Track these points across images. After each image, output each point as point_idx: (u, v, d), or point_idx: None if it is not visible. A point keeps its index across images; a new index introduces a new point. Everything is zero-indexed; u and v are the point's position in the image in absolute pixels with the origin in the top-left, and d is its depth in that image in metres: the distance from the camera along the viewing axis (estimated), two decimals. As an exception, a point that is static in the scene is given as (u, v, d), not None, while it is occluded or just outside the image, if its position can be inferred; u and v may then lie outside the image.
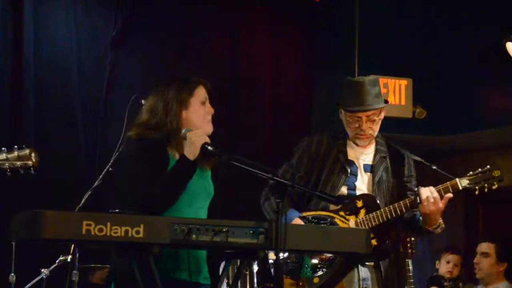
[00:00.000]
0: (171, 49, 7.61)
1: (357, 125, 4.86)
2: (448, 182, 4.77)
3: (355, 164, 4.91)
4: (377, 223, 4.74)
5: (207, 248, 3.87)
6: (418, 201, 4.69)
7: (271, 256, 4.83)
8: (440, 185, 4.76)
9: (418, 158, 5.01)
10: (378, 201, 4.80)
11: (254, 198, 5.06)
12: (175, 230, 3.49)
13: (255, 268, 5.48)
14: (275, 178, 3.73)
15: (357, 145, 4.94)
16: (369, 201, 4.80)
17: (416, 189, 4.81)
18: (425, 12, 7.82)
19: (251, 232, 3.63)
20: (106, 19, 7.36)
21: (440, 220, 4.80)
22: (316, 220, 4.77)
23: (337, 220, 4.77)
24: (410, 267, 5.66)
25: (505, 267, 7.24)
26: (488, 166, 4.83)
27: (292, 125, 8.11)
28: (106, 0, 7.42)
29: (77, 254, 5.57)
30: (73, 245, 5.50)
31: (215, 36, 7.89)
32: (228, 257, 3.95)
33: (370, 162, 4.94)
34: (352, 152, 4.94)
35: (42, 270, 5.86)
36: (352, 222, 4.77)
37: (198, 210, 3.98)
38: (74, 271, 5.60)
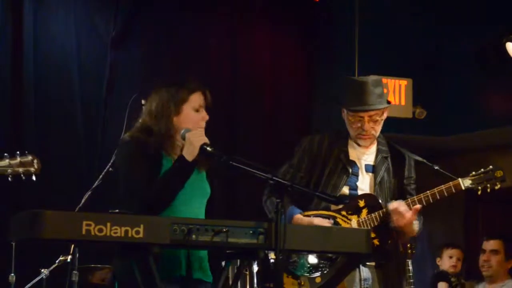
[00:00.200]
0: (171, 49, 7.60)
1: (359, 125, 4.85)
2: (450, 182, 4.77)
3: (357, 164, 4.91)
4: (379, 223, 4.74)
5: (207, 248, 3.87)
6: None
7: (272, 255, 4.84)
8: (442, 185, 4.76)
9: (420, 159, 5.01)
10: (380, 201, 4.80)
11: (254, 198, 5.06)
12: (175, 230, 3.49)
13: (255, 268, 5.48)
14: (274, 178, 3.73)
15: (359, 145, 4.93)
16: (371, 201, 4.80)
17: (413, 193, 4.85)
18: (425, 12, 7.82)
19: (251, 232, 3.62)
20: (106, 19, 7.35)
21: (415, 227, 4.80)
22: (317, 220, 4.78)
23: (339, 220, 4.77)
24: (410, 267, 5.67)
25: (511, 265, 7.25)
26: (491, 167, 4.84)
27: (292, 125, 8.11)
28: (106, 0, 7.42)
29: (77, 254, 5.56)
30: (73, 245, 5.50)
31: (214, 36, 7.88)
32: (228, 257, 3.94)
33: (371, 163, 4.93)
34: (353, 152, 4.93)
35: (42, 270, 5.85)
36: (354, 221, 4.77)
37: (194, 210, 3.97)
38: (74, 271, 5.60)
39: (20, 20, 6.89)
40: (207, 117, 4.07)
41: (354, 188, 4.87)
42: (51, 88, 7.04)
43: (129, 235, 3.41)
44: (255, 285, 5.53)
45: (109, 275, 5.33)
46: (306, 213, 4.80)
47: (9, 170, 4.40)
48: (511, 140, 8.05)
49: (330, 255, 4.56)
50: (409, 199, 4.77)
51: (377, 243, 4.68)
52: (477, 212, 8.89)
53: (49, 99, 7.00)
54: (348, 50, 7.81)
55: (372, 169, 4.92)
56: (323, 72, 8.27)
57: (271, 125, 8.11)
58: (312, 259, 4.66)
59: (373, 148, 4.97)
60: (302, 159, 4.95)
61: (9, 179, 4.40)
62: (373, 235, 4.40)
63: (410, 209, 4.73)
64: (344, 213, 4.79)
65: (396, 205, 4.71)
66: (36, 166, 4.36)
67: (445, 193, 4.74)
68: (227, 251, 3.87)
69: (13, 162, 4.38)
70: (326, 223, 4.69)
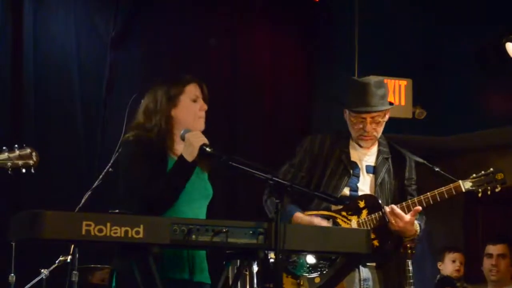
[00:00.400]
0: (170, 49, 7.60)
1: (361, 126, 4.86)
2: (451, 184, 4.78)
3: (358, 166, 4.91)
4: (379, 224, 4.74)
5: (206, 249, 3.87)
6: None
7: (272, 255, 4.84)
8: (443, 187, 4.76)
9: (421, 160, 5.02)
10: (380, 202, 4.80)
11: (254, 198, 5.06)
12: (175, 230, 3.49)
13: (255, 268, 5.48)
14: (274, 178, 3.73)
15: (360, 146, 4.94)
16: (371, 202, 4.80)
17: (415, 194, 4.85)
18: (425, 13, 7.82)
19: (251, 232, 3.62)
20: (106, 19, 7.35)
21: (417, 228, 4.80)
22: (317, 220, 4.78)
23: (339, 220, 4.77)
24: (410, 268, 5.65)
25: None
26: (492, 169, 4.84)
27: (292, 125, 8.10)
28: (106, 0, 7.42)
29: (77, 255, 5.56)
30: (72, 246, 5.50)
31: (214, 36, 7.88)
32: (228, 257, 3.95)
33: (372, 164, 4.94)
34: (355, 153, 4.94)
35: (42, 270, 5.85)
36: (354, 222, 4.77)
37: (196, 211, 3.98)
38: (73, 272, 5.59)
39: (20, 20, 6.89)
40: (205, 107, 4.07)
41: (354, 189, 4.88)
42: (51, 88, 7.04)
43: (129, 235, 3.41)
44: (255, 285, 5.53)
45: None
46: (306, 213, 4.80)
47: (8, 163, 4.41)
48: (511, 140, 8.05)
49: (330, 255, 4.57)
50: (409, 201, 4.77)
51: (377, 244, 4.68)
52: (477, 213, 8.89)
53: (49, 99, 6.99)
54: (348, 50, 7.81)
55: (373, 170, 4.92)
56: (323, 72, 8.27)
57: (271, 125, 8.11)
58: (312, 259, 4.67)
59: (374, 149, 4.97)
60: (303, 159, 4.95)
61: (9, 172, 4.41)
62: (373, 236, 4.40)
63: (410, 210, 4.73)
64: (344, 213, 4.79)
65: (392, 208, 4.72)
66: (34, 159, 4.38)
67: (446, 195, 4.75)
68: (227, 251, 3.87)
69: (12, 155, 4.40)
70: (325, 223, 4.70)
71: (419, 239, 4.90)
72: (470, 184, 4.81)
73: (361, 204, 4.80)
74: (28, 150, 4.40)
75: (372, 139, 4.92)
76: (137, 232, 3.42)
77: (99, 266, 6.05)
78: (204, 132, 3.99)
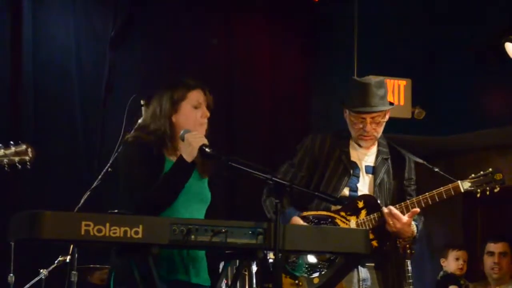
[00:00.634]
0: (169, 49, 7.60)
1: (361, 126, 4.85)
2: (450, 185, 4.78)
3: (358, 166, 4.91)
4: (378, 224, 4.74)
5: (206, 249, 3.87)
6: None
7: (271, 255, 4.84)
8: (442, 188, 4.76)
9: (420, 160, 5.02)
10: (379, 202, 4.80)
11: (254, 198, 5.06)
12: (174, 230, 3.49)
13: (254, 268, 5.48)
14: (273, 179, 3.73)
15: (360, 146, 4.94)
16: (370, 202, 4.80)
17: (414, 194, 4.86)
18: (424, 12, 7.82)
19: (250, 232, 3.62)
20: (105, 19, 7.35)
21: (413, 228, 4.80)
22: (317, 220, 4.78)
23: (338, 221, 4.77)
24: (409, 268, 5.65)
25: None
26: (490, 169, 4.84)
27: (291, 125, 8.10)
28: (105, 0, 7.41)
29: (76, 255, 5.56)
30: (72, 246, 5.49)
31: (213, 37, 7.87)
32: (227, 257, 3.95)
33: (372, 164, 4.94)
34: (354, 153, 4.93)
35: (41, 270, 5.85)
36: (353, 222, 4.77)
37: (194, 212, 3.97)
38: (73, 272, 5.60)
39: (19, 20, 6.88)
40: (207, 114, 4.07)
41: (354, 189, 4.87)
42: (50, 88, 7.03)
43: (128, 235, 3.41)
44: (254, 286, 5.53)
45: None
46: (306, 213, 4.80)
47: (5, 160, 4.42)
48: (510, 140, 8.05)
49: (328, 255, 4.57)
50: (408, 201, 4.77)
51: (376, 244, 4.68)
52: (476, 213, 8.89)
53: (48, 99, 6.99)
54: (347, 50, 7.80)
55: (372, 170, 4.92)
56: (323, 72, 8.27)
57: (270, 125, 8.11)
58: (311, 259, 4.67)
59: (374, 149, 4.97)
60: (303, 159, 4.95)
61: (6, 169, 4.42)
62: (371, 236, 4.40)
63: (409, 211, 4.73)
64: (343, 213, 4.79)
65: (389, 209, 4.72)
66: (30, 155, 4.39)
67: (444, 196, 4.75)
68: (226, 252, 3.87)
69: (8, 152, 4.41)
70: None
71: (416, 240, 4.90)
72: (469, 184, 4.81)
73: (360, 204, 4.80)
74: (24, 146, 4.42)
75: (372, 139, 4.92)
76: (136, 232, 3.42)
77: (98, 266, 6.05)
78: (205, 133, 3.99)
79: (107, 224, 3.38)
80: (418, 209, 4.72)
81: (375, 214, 4.76)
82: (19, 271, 5.74)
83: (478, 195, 4.83)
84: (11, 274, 5.67)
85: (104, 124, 7.10)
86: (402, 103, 7.65)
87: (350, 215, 4.78)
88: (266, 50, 8.20)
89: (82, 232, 3.35)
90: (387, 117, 4.92)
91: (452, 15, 7.69)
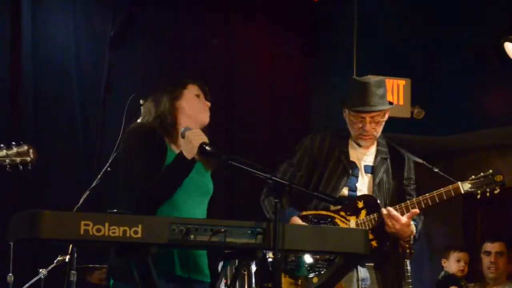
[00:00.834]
0: (169, 49, 7.59)
1: (360, 125, 4.85)
2: (450, 186, 4.78)
3: (357, 165, 4.91)
4: (378, 224, 4.74)
5: (205, 248, 3.87)
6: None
7: (270, 255, 4.83)
8: (442, 189, 4.76)
9: (420, 160, 5.02)
10: (379, 202, 4.80)
11: (253, 198, 5.06)
12: (173, 230, 3.48)
13: (253, 268, 5.48)
14: (273, 178, 3.73)
15: (359, 145, 4.93)
16: (370, 202, 4.80)
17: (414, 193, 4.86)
18: (423, 12, 7.81)
19: (249, 232, 3.62)
20: (104, 19, 7.34)
21: (413, 229, 4.80)
22: (316, 220, 4.78)
23: (337, 220, 4.77)
24: (408, 267, 5.64)
25: (511, 269, 7.26)
26: (491, 171, 4.84)
27: (291, 125, 8.10)
28: (104, 0, 7.41)
29: (75, 254, 5.56)
30: (71, 245, 5.49)
31: (213, 36, 7.87)
32: (226, 257, 3.95)
33: (371, 163, 4.93)
34: (354, 153, 4.93)
35: (40, 270, 5.84)
36: (352, 222, 4.76)
37: (194, 206, 3.98)
38: (72, 271, 5.59)
39: (19, 20, 6.88)
40: (209, 104, 4.10)
41: (353, 189, 4.87)
42: (49, 88, 7.03)
43: (128, 235, 3.41)
44: (253, 285, 5.53)
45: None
46: (305, 213, 4.80)
47: (7, 160, 4.43)
48: (510, 140, 8.04)
49: (328, 255, 4.56)
50: (408, 202, 4.77)
51: (375, 244, 4.68)
52: (476, 213, 8.89)
53: (47, 99, 6.99)
54: (347, 49, 7.80)
55: (371, 170, 4.92)
56: (322, 72, 8.27)
57: (270, 125, 8.11)
58: (307, 259, 4.67)
59: (373, 148, 4.97)
60: (302, 159, 4.95)
61: (7, 169, 4.42)
62: (371, 236, 4.40)
63: (408, 211, 4.73)
64: (343, 213, 4.79)
65: (388, 210, 4.71)
66: (32, 156, 4.40)
67: (444, 197, 4.75)
68: (226, 251, 3.87)
69: (10, 152, 4.41)
70: None
71: (416, 240, 4.89)
72: (469, 185, 4.81)
73: (360, 204, 4.80)
74: (26, 147, 4.42)
75: (371, 139, 4.92)
76: (136, 232, 3.42)
77: (97, 266, 6.04)
78: (203, 132, 3.99)
79: (106, 224, 3.38)
80: (417, 210, 4.72)
81: (375, 214, 4.76)
82: (19, 270, 5.73)
83: (478, 196, 4.83)
84: (10, 274, 5.66)
85: (104, 124, 7.10)
86: (401, 102, 7.65)
87: (350, 215, 4.78)
88: (266, 50, 8.20)
89: (81, 232, 3.34)
90: (386, 116, 4.92)
91: (451, 15, 7.68)
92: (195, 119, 4.05)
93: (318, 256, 4.65)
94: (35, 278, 5.84)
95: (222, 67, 7.93)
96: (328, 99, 7.86)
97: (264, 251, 3.83)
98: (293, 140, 5.10)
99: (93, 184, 5.41)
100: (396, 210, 4.73)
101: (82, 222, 3.35)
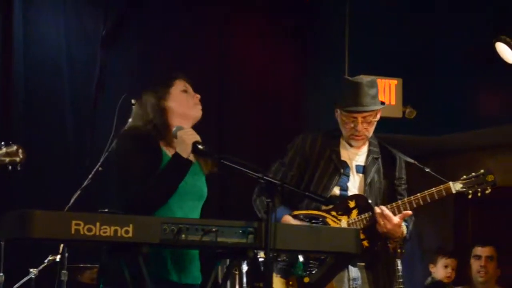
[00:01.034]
0: (161, 48, 7.59)
1: (352, 125, 4.85)
2: (441, 186, 4.78)
3: (348, 165, 4.91)
4: (369, 224, 4.74)
5: (196, 248, 3.87)
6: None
7: (262, 255, 4.83)
8: (433, 188, 4.76)
9: (411, 160, 5.02)
10: (370, 202, 4.80)
11: (245, 198, 5.06)
12: (164, 229, 3.48)
13: (245, 268, 5.47)
14: (265, 178, 3.72)
15: (350, 145, 4.93)
16: (361, 202, 4.80)
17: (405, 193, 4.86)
18: (415, 12, 7.82)
19: (241, 232, 3.62)
20: (96, 19, 7.34)
21: (403, 229, 4.80)
22: (308, 219, 4.77)
23: (329, 220, 4.77)
24: (399, 267, 5.66)
25: (499, 273, 7.26)
26: (482, 171, 4.84)
27: (284, 124, 8.10)
28: (94, 0, 7.40)
29: (66, 254, 5.56)
30: (62, 245, 5.48)
31: (207, 36, 7.87)
32: (217, 256, 3.94)
33: (362, 163, 4.93)
34: (345, 153, 4.93)
35: (31, 269, 5.84)
36: (344, 222, 4.76)
37: (189, 210, 3.97)
38: (63, 271, 5.60)
39: (10, 20, 6.86)
40: (198, 96, 4.09)
41: (344, 188, 4.87)
42: (41, 87, 7.02)
43: (119, 234, 3.40)
44: (245, 285, 5.52)
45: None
46: (296, 212, 4.80)
47: None
48: (501, 140, 8.06)
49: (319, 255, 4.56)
50: (399, 202, 4.77)
51: (367, 244, 4.68)
52: (467, 213, 8.90)
53: (39, 99, 6.98)
54: (338, 49, 7.81)
55: (363, 169, 4.92)
56: (314, 72, 8.27)
57: (263, 125, 8.11)
58: (300, 258, 4.66)
59: (365, 148, 4.97)
60: (294, 158, 4.95)
61: None
62: (362, 236, 4.41)
63: (400, 211, 4.73)
64: (334, 213, 4.78)
65: (381, 209, 4.72)
66: (21, 156, 4.37)
67: (436, 197, 4.75)
68: (217, 251, 3.86)
69: None
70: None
71: (407, 240, 4.89)
72: (461, 185, 4.81)
73: (351, 204, 4.80)
74: (15, 147, 4.40)
75: (363, 139, 4.92)
76: (127, 232, 3.41)
77: (88, 265, 6.04)
78: (196, 132, 3.98)
79: (97, 223, 3.37)
80: (410, 212, 4.72)
81: (366, 214, 4.76)
82: (9, 270, 5.72)
83: (470, 196, 4.83)
84: (1, 274, 5.65)
85: (95, 123, 7.08)
86: (393, 102, 7.65)
87: (341, 214, 4.78)
88: (258, 50, 8.19)
89: (72, 231, 3.33)
90: (378, 116, 4.92)
91: (443, 15, 7.69)
92: (187, 115, 4.04)
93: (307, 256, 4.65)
94: (26, 278, 5.84)
95: (214, 68, 7.92)
96: (321, 99, 7.86)
97: (255, 251, 3.82)
98: (286, 140, 5.09)
99: (84, 184, 5.40)
100: (388, 210, 4.73)
101: (73, 222, 3.34)
